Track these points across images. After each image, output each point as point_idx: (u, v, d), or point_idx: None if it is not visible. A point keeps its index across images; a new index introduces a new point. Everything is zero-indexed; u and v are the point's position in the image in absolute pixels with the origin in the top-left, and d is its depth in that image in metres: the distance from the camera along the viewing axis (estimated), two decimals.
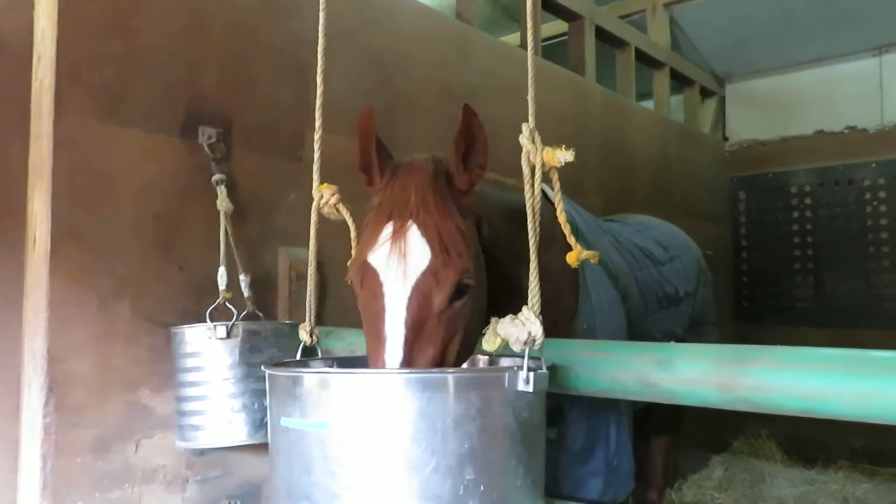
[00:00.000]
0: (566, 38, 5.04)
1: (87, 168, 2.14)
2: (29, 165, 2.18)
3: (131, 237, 2.23)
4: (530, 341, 1.34)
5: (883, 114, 5.82)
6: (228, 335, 2.13)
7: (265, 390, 2.12)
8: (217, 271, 2.34)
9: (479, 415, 1.22)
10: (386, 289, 1.55)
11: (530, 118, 1.44)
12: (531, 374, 1.27)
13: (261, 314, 2.44)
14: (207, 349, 2.13)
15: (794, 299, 6.19)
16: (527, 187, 1.44)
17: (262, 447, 2.43)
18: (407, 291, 1.53)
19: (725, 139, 6.67)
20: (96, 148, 2.17)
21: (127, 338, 2.20)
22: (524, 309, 1.37)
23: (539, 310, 1.38)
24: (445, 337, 1.55)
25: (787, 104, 6.33)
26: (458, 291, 1.57)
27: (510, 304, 1.89)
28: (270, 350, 2.17)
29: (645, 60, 5.55)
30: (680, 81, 6.14)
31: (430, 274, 1.54)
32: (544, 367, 1.32)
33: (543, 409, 1.38)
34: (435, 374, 1.27)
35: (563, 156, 1.40)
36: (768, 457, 5.70)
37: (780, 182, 6.30)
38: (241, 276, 2.39)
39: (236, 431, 2.12)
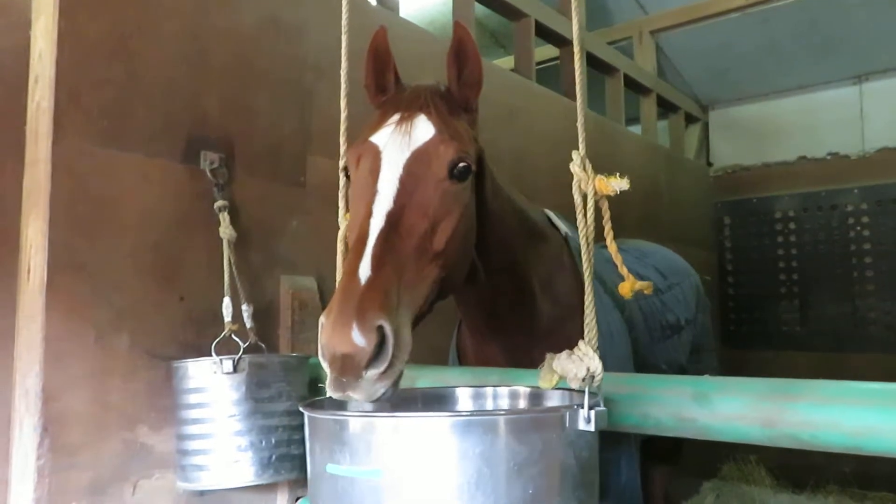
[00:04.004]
0: (555, 62, 5.05)
1: (87, 194, 2.05)
2: (23, 191, 2.08)
3: (131, 266, 2.13)
4: (588, 378, 1.27)
5: (864, 140, 5.92)
6: (235, 369, 2.02)
7: (274, 427, 2.05)
8: (219, 301, 2.25)
9: (541, 457, 1.15)
10: (384, 158, 1.54)
11: (580, 145, 1.38)
12: (592, 411, 1.21)
13: (263, 346, 2.34)
14: (212, 384, 2.03)
15: (780, 323, 6.22)
16: (579, 217, 1.38)
17: (266, 486, 2.32)
18: (406, 155, 1.53)
19: (710, 164, 6.74)
20: (96, 173, 2.07)
21: (125, 373, 2.09)
22: (580, 344, 1.31)
23: (597, 344, 1.32)
24: (437, 213, 1.52)
25: (769, 130, 6.42)
26: (459, 172, 1.58)
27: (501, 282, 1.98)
28: (279, 384, 2.07)
29: (632, 86, 5.59)
30: (665, 107, 6.20)
31: (433, 144, 1.56)
32: (602, 404, 1.26)
33: (598, 447, 1.31)
34: (496, 417, 1.20)
35: (618, 184, 1.34)
36: (758, 482, 5.66)
37: (764, 207, 6.36)
38: (244, 307, 2.29)
39: (243, 471, 2.01)
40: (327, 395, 1.51)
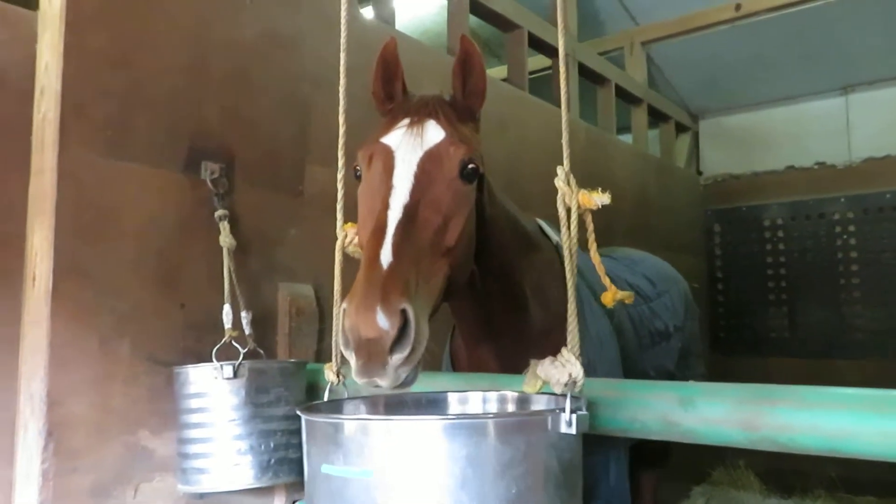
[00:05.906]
0: (547, 72, 5.13)
1: (91, 203, 2.10)
2: (29, 199, 2.13)
3: (133, 274, 2.19)
4: (571, 383, 1.33)
5: (850, 150, 6.03)
6: (235, 375, 2.08)
7: (273, 431, 2.11)
8: (219, 308, 2.30)
9: (524, 459, 1.20)
10: (398, 157, 1.62)
11: (565, 161, 1.45)
12: (573, 415, 1.26)
13: (262, 352, 2.39)
14: (212, 390, 2.08)
15: (768, 330, 6.31)
16: (563, 230, 1.44)
17: (264, 489, 2.38)
18: (419, 155, 1.61)
19: (700, 173, 6.83)
20: (100, 183, 2.13)
21: (127, 378, 2.14)
22: (563, 351, 1.37)
23: (579, 351, 1.38)
24: (449, 210, 1.60)
25: (758, 140, 6.53)
26: (469, 173, 1.67)
27: (497, 288, 2.06)
28: (277, 390, 2.12)
29: (624, 96, 5.68)
30: (656, 117, 6.28)
31: (444, 145, 1.64)
32: (584, 408, 1.32)
33: (581, 450, 1.37)
34: (482, 420, 1.25)
35: (600, 198, 1.41)
36: (747, 487, 5.73)
37: (753, 215, 6.45)
38: (243, 313, 2.35)
39: (242, 474, 2.06)
40: (324, 400, 1.58)
